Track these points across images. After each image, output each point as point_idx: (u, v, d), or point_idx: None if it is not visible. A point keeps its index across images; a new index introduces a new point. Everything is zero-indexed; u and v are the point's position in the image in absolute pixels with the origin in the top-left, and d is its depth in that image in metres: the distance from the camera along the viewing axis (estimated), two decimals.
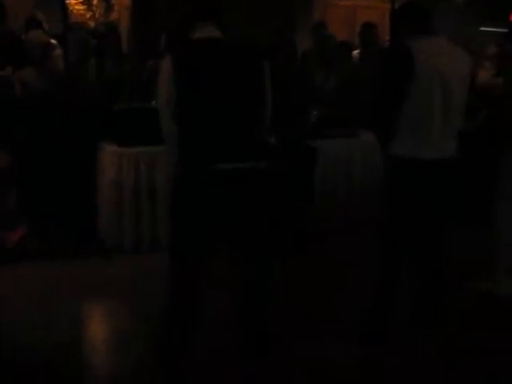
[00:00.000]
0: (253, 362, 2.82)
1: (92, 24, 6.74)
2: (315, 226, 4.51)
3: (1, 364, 2.91)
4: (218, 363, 2.88)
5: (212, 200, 2.59)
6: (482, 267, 3.90)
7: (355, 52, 6.22)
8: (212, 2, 2.76)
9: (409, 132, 2.91)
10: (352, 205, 4.76)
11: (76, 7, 6.94)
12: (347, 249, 4.37)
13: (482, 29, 9.79)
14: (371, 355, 3.09)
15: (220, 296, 3.03)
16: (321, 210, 4.60)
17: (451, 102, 2.91)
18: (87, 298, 3.75)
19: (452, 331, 3.21)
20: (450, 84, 2.88)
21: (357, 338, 3.14)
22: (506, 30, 8.01)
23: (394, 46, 3.16)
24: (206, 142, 2.57)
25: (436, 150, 2.93)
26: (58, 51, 5.33)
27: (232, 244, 2.77)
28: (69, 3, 6.90)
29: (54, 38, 5.37)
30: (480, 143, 4.56)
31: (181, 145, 2.60)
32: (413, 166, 2.92)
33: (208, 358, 2.90)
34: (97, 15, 6.79)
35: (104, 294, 3.78)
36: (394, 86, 2.88)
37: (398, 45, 2.99)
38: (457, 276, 3.49)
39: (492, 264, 3.79)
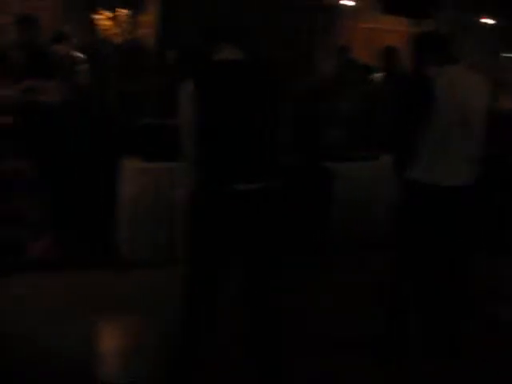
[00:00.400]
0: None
1: (119, 39, 6.85)
2: (334, 248, 4.56)
3: (12, 375, 2.93)
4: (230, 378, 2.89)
5: (228, 218, 2.62)
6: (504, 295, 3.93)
7: (378, 75, 6.26)
8: (236, 23, 2.81)
9: (428, 158, 2.94)
10: (371, 226, 4.77)
11: (104, 23, 7.07)
12: (363, 268, 4.41)
13: (505, 55, 9.80)
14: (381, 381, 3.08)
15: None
16: (340, 231, 4.63)
17: (470, 131, 2.95)
18: (102, 310, 3.76)
19: (468, 359, 3.21)
20: (469, 113, 2.92)
21: (369, 359, 3.15)
22: None
23: (416, 77, 3.20)
24: (223, 163, 2.61)
25: (454, 177, 2.96)
26: (84, 65, 5.43)
27: (246, 261, 2.78)
28: (97, 18, 7.04)
29: (80, 52, 5.47)
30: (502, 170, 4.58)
31: (199, 164, 2.64)
32: (431, 191, 2.95)
33: (221, 372, 2.91)
34: (123, 31, 6.89)
35: (119, 307, 3.80)
36: (415, 116, 2.92)
37: (420, 76, 3.02)
38: (478, 303, 3.49)
39: None
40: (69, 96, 4.81)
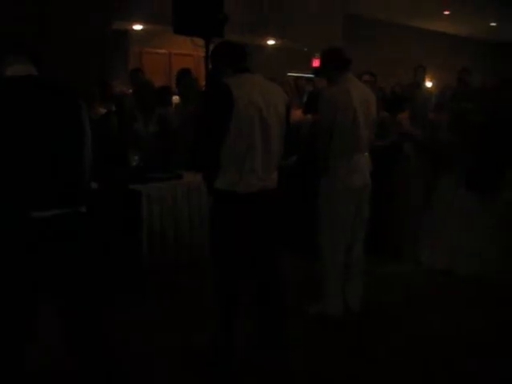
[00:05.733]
0: None
1: None
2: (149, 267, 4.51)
3: None
4: None
5: (34, 249, 2.39)
6: (311, 292, 4.12)
7: (175, 97, 6.27)
8: (24, 38, 2.59)
9: (231, 166, 2.94)
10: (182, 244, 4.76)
11: None
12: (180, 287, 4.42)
13: (289, 74, 10.54)
14: None
15: None
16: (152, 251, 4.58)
17: (270, 135, 3.00)
18: None
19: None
20: (268, 117, 2.97)
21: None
22: (310, 75, 8.75)
23: (214, 85, 3.19)
24: (20, 188, 2.37)
25: (259, 182, 3.00)
26: None
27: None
28: None
29: None
30: (298, 176, 4.84)
31: None
32: (236, 198, 2.96)
33: None
34: None
35: None
36: (216, 121, 2.90)
37: (217, 83, 3.03)
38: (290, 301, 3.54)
39: (320, 288, 3.99)
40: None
